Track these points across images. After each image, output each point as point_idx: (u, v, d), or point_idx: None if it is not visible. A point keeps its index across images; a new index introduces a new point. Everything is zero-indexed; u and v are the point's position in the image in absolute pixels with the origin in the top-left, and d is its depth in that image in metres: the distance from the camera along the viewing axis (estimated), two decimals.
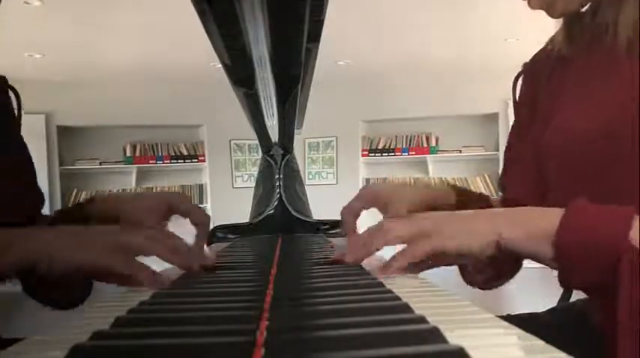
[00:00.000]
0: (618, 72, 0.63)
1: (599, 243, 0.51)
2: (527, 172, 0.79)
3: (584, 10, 0.70)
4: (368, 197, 0.81)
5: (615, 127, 0.60)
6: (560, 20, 0.75)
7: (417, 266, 0.67)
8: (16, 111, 0.83)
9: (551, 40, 0.78)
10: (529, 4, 0.73)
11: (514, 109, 0.84)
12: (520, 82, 0.83)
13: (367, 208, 0.81)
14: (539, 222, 0.56)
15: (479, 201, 0.84)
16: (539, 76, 0.79)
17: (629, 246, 0.49)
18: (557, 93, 0.74)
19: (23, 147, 0.84)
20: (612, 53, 0.64)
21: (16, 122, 0.79)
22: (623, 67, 0.62)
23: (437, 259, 0.68)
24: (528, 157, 0.79)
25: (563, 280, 0.56)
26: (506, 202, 0.85)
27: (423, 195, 0.79)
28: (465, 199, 0.81)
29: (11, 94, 0.80)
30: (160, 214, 0.78)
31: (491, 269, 0.77)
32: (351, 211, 0.79)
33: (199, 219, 0.79)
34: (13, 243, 0.58)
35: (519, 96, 0.83)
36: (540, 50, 0.82)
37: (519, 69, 0.85)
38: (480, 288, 0.80)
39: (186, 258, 0.65)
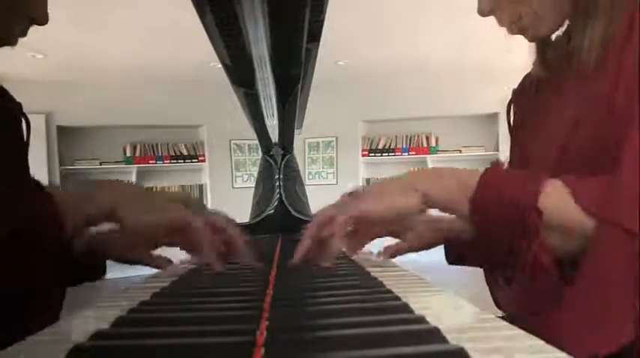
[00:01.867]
0: (587, 91, 0.64)
1: (510, 202, 0.55)
2: None
3: (557, 35, 0.74)
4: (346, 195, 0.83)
5: (582, 146, 0.62)
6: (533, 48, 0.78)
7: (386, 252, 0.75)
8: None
9: (533, 65, 0.82)
10: (507, 30, 0.77)
11: (509, 132, 0.87)
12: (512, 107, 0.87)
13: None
14: (459, 177, 0.61)
15: None
16: (525, 99, 0.83)
17: (535, 207, 0.53)
18: (538, 116, 0.77)
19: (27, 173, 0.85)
20: (583, 78, 0.65)
21: (25, 149, 0.80)
22: (591, 86, 0.64)
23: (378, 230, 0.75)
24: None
25: (475, 234, 0.60)
26: None
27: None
28: None
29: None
30: None
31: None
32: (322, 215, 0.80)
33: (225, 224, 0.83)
34: (95, 191, 0.64)
35: (512, 122, 0.87)
36: (526, 75, 0.85)
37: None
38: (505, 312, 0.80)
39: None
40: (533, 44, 0.78)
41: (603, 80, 0.61)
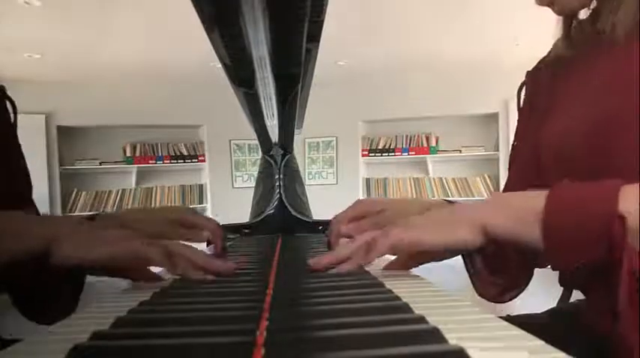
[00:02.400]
0: (615, 72, 0.63)
1: (589, 214, 0.50)
2: (526, 172, 0.80)
3: (584, 16, 0.72)
4: (361, 206, 0.81)
5: (610, 127, 0.60)
6: (560, 26, 0.76)
7: (404, 264, 0.69)
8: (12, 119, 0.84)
9: (554, 46, 0.79)
10: (536, 1, 0.73)
11: (518, 115, 0.85)
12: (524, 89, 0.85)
13: (357, 216, 0.81)
14: (523, 203, 0.56)
15: None
16: (540, 81, 0.80)
17: (617, 214, 0.48)
18: (556, 95, 0.75)
19: (20, 155, 0.85)
20: (610, 54, 0.64)
21: (13, 130, 0.81)
22: (620, 67, 0.63)
23: (422, 256, 0.69)
24: (527, 157, 0.80)
25: (552, 259, 0.54)
26: None
27: (418, 207, 0.79)
28: None
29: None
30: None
31: (502, 279, 0.76)
32: (341, 220, 0.79)
33: (213, 226, 0.82)
34: (31, 226, 0.60)
35: (523, 102, 0.84)
36: (543, 57, 0.83)
37: (519, 69, 0.87)
38: (494, 301, 0.79)
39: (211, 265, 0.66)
40: (559, 22, 0.75)
41: (630, 61, 0.60)
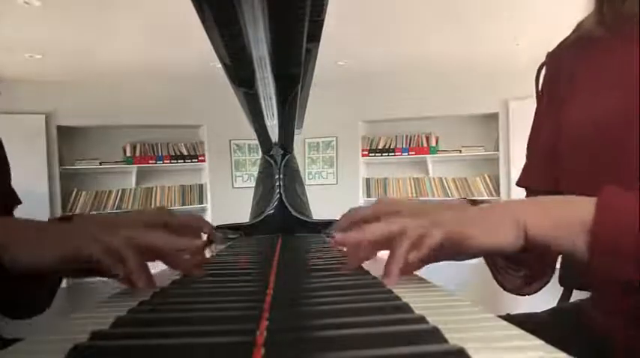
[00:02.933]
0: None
1: None
2: (545, 158, 0.78)
3: None
4: (379, 207, 0.77)
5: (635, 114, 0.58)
6: (590, 6, 0.73)
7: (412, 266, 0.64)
8: None
9: (578, 26, 0.76)
10: None
11: (536, 98, 0.82)
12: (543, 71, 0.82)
13: (376, 214, 0.78)
14: (568, 210, 0.52)
15: None
16: (562, 62, 0.77)
17: None
18: (581, 77, 0.72)
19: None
20: (635, 36, 0.62)
21: None
22: None
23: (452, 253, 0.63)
24: (546, 142, 0.78)
25: (600, 270, 0.50)
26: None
27: (437, 204, 0.77)
28: None
29: None
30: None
31: (525, 271, 0.75)
32: (357, 213, 0.76)
33: (202, 222, 0.79)
34: None
35: (542, 85, 0.82)
36: (565, 38, 0.80)
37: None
38: (519, 294, 0.77)
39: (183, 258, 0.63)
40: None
41: None
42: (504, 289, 0.78)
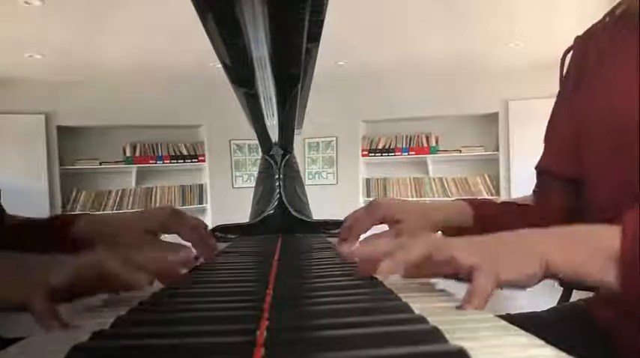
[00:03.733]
0: None
1: None
2: (565, 140, 0.78)
3: None
4: (379, 211, 0.77)
5: None
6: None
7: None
8: None
9: (611, 13, 0.75)
10: None
11: (560, 83, 0.82)
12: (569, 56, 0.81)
13: (376, 224, 0.78)
14: (592, 243, 0.51)
15: (503, 214, 0.82)
16: (592, 48, 0.76)
17: None
18: (608, 62, 0.71)
19: None
20: None
21: None
22: None
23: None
24: (567, 126, 0.77)
25: (635, 297, 0.49)
26: (541, 178, 0.83)
27: (437, 210, 0.77)
28: (486, 213, 0.79)
29: None
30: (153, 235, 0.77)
31: None
32: (359, 225, 0.74)
33: (198, 221, 0.80)
34: None
35: (567, 70, 0.81)
36: (596, 23, 0.78)
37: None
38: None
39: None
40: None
41: None
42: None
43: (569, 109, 0.78)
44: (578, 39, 0.81)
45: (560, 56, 0.83)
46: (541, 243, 0.52)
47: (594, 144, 0.71)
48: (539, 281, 0.51)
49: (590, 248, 0.50)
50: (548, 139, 0.84)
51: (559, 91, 0.83)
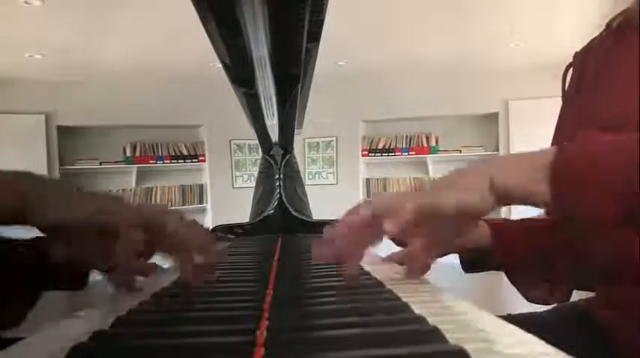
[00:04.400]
0: None
1: (603, 164, 0.46)
2: None
3: None
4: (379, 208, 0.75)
5: None
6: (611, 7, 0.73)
7: (431, 255, 0.64)
8: None
9: (608, 26, 0.76)
10: None
11: (562, 97, 0.82)
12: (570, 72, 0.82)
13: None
14: (534, 157, 0.52)
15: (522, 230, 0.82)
16: (591, 61, 0.77)
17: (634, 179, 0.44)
18: (609, 74, 0.72)
19: None
20: None
21: None
22: None
23: (445, 243, 0.64)
24: (573, 138, 0.78)
25: (563, 209, 0.50)
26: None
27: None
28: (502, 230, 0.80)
29: None
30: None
31: (546, 283, 0.77)
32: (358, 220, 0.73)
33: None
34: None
35: (568, 86, 0.82)
36: (593, 38, 0.80)
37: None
38: (541, 304, 0.79)
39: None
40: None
41: None
42: (527, 300, 0.79)
43: (574, 122, 0.79)
44: (577, 54, 0.82)
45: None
46: (487, 167, 0.53)
47: None
48: (495, 205, 0.52)
49: (531, 163, 0.51)
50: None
51: (562, 106, 0.84)
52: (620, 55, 0.72)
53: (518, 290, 0.80)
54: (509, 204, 0.53)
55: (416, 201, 0.52)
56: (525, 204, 0.52)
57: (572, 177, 0.48)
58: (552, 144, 0.84)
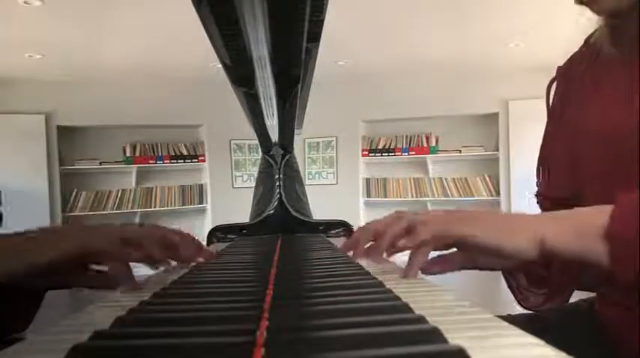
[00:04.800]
0: None
1: None
2: (564, 166, 0.79)
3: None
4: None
5: None
6: (594, 22, 0.74)
7: (445, 266, 0.65)
8: None
9: (585, 43, 0.78)
10: (574, 0, 0.69)
11: (547, 113, 0.84)
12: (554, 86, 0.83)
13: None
14: (587, 218, 0.53)
15: None
16: (573, 76, 0.79)
17: None
18: (592, 94, 0.74)
19: None
20: None
21: None
22: None
23: (471, 261, 0.66)
24: (562, 158, 0.79)
25: (618, 275, 0.51)
26: (543, 205, 0.85)
27: None
28: None
29: None
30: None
31: (544, 290, 0.76)
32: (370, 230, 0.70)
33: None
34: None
35: (553, 99, 0.83)
36: (574, 53, 0.82)
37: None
38: (534, 310, 0.79)
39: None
40: (599, 20, 0.73)
41: None
42: (523, 307, 0.79)
43: (562, 136, 0.80)
44: (560, 69, 0.83)
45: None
46: (535, 221, 0.55)
47: (588, 166, 0.72)
48: (537, 257, 0.53)
49: (582, 226, 0.52)
50: (543, 167, 0.86)
51: (547, 120, 0.85)
52: (601, 70, 0.74)
53: (515, 296, 0.80)
54: (551, 260, 0.56)
55: (461, 230, 0.55)
56: (567, 257, 0.54)
57: (629, 247, 0.48)
58: (540, 159, 0.85)
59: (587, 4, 0.68)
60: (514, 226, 0.56)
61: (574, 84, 0.79)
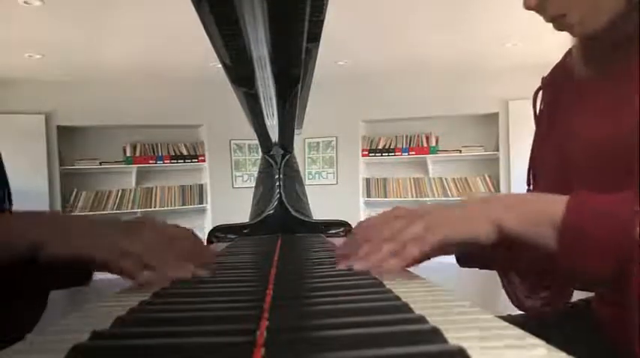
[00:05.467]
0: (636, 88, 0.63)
1: (607, 232, 0.50)
2: (552, 180, 0.80)
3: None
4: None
5: (631, 138, 0.60)
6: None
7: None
8: None
9: (568, 53, 0.79)
10: (553, 26, 0.72)
11: (535, 122, 0.85)
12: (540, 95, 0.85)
13: None
14: (540, 208, 0.56)
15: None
16: (558, 88, 0.80)
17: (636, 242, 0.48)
18: (576, 105, 0.75)
19: None
20: (631, 69, 0.64)
21: None
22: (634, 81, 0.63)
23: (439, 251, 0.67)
24: (552, 165, 0.80)
25: (566, 262, 0.54)
26: None
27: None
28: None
29: None
30: None
31: (543, 294, 0.76)
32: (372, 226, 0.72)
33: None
34: (11, 225, 0.58)
35: (540, 108, 0.84)
36: (558, 63, 0.83)
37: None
38: (532, 314, 0.79)
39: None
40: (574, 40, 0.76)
41: None
42: (520, 309, 0.79)
43: (551, 145, 0.80)
44: (544, 79, 0.84)
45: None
46: (491, 208, 0.58)
47: (579, 175, 0.73)
48: (494, 240, 0.57)
49: (536, 214, 0.56)
50: (533, 176, 0.86)
51: (535, 129, 0.85)
52: (582, 83, 0.75)
53: (511, 299, 0.80)
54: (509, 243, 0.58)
55: (430, 242, 0.58)
56: (521, 241, 0.57)
57: (577, 238, 0.52)
58: (530, 168, 0.85)
59: (565, 30, 0.70)
60: (472, 216, 0.59)
61: (560, 94, 0.79)
